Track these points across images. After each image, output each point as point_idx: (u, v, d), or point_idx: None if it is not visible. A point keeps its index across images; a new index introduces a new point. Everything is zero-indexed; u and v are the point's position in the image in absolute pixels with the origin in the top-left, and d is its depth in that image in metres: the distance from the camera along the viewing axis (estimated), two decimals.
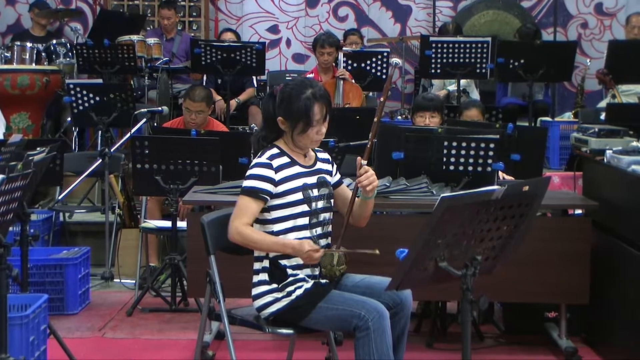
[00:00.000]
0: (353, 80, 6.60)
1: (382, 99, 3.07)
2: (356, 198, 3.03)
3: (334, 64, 6.71)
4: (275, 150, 2.99)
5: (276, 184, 2.94)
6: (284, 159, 2.99)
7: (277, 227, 2.96)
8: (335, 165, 3.17)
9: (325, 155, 3.15)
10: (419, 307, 4.42)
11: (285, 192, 2.95)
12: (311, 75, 6.58)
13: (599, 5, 8.35)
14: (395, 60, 3.15)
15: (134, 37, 7.15)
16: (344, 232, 3.01)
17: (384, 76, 6.81)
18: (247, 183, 2.93)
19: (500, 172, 4.19)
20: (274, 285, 2.96)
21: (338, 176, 3.16)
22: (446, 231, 2.38)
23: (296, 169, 3.00)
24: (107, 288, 5.24)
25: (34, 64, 6.82)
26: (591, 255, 3.84)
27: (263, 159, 2.96)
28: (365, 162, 3.00)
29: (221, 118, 6.82)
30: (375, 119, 3.03)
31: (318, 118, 2.95)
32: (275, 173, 2.94)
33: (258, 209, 2.91)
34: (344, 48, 6.89)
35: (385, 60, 6.81)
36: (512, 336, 4.23)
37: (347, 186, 3.17)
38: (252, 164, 2.98)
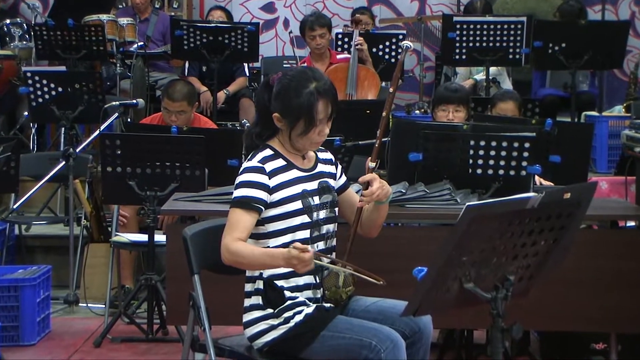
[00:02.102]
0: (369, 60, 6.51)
1: (391, 89, 3.08)
2: (365, 205, 3.04)
3: (329, 48, 6.71)
4: (268, 152, 3.00)
5: (271, 191, 2.95)
6: (279, 162, 3.00)
7: (273, 242, 2.97)
8: (339, 166, 3.19)
9: (327, 155, 3.17)
10: (441, 337, 4.43)
11: (282, 201, 2.96)
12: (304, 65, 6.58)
13: None
14: (406, 43, 3.16)
15: (104, 17, 7.18)
16: (351, 246, 3.02)
17: None
18: (236, 193, 2.95)
19: (537, 177, 4.20)
20: (269, 310, 2.97)
21: (344, 179, 3.17)
22: (473, 246, 2.38)
23: (294, 173, 3.01)
24: (71, 314, 5.26)
25: None
26: None
27: (254, 162, 2.97)
28: (374, 164, 3.01)
29: (207, 113, 6.85)
30: (384, 113, 3.05)
31: (322, 117, 2.96)
32: (269, 178, 2.96)
33: (252, 222, 2.92)
34: (344, 29, 6.89)
35: (400, 44, 6.82)
36: None
37: (357, 192, 3.18)
38: (241, 169, 3.00)
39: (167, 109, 5.36)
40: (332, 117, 2.99)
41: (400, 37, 6.92)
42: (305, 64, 6.62)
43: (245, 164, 2.98)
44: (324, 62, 6.65)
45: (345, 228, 3.14)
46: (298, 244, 2.79)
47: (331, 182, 3.11)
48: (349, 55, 6.65)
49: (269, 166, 2.97)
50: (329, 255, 2.98)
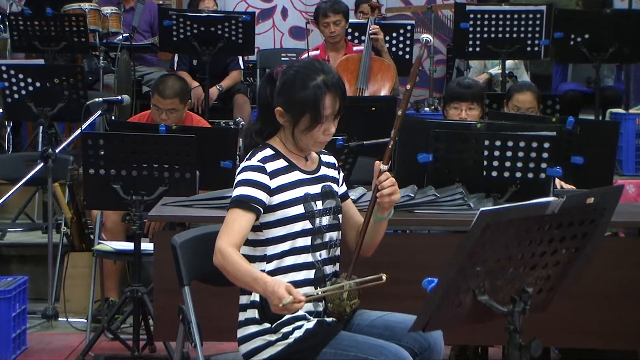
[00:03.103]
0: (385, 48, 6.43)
1: (408, 86, 3.08)
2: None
3: (345, 39, 6.69)
4: (268, 152, 3.01)
5: (271, 192, 2.96)
6: (280, 162, 3.01)
7: (271, 249, 2.98)
8: (342, 173, 3.20)
9: (331, 159, 3.18)
10: (453, 354, 4.43)
11: (282, 205, 2.97)
12: (316, 53, 6.57)
13: None
14: (425, 36, 3.16)
15: (85, 6, 7.19)
16: (357, 258, 3.02)
17: (407, 56, 6.83)
18: (235, 192, 2.95)
19: (557, 180, 4.20)
20: (266, 325, 2.98)
21: (344, 188, 3.19)
22: (487, 255, 2.39)
23: (296, 175, 3.02)
24: (50, 329, 5.26)
25: None
26: None
27: (253, 161, 2.98)
28: (386, 167, 3.02)
29: (199, 110, 6.85)
30: (399, 112, 3.05)
31: (329, 113, 2.96)
32: (270, 179, 2.96)
33: (249, 223, 2.92)
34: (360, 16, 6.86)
35: (409, 35, 6.83)
36: None
37: (355, 201, 3.18)
38: (240, 168, 3.00)
39: (157, 106, 5.37)
40: (339, 115, 3.00)
41: (409, 27, 6.93)
42: (318, 52, 6.60)
43: (245, 163, 2.99)
44: (338, 53, 6.61)
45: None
46: (294, 291, 2.71)
47: (334, 187, 3.11)
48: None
49: (270, 166, 2.98)
50: (321, 291, 2.92)
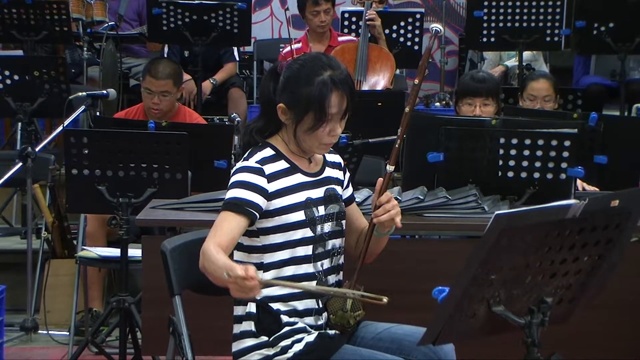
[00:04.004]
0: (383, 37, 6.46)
1: (416, 81, 3.08)
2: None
3: (331, 28, 6.69)
4: (268, 152, 3.01)
5: (269, 196, 2.96)
6: (281, 164, 3.01)
7: (268, 257, 2.98)
8: (347, 173, 3.20)
9: (337, 159, 3.18)
10: None
11: (281, 210, 2.97)
12: (298, 46, 6.57)
13: None
14: (435, 26, 3.16)
15: None
16: (361, 266, 3.02)
17: (416, 47, 6.82)
18: (229, 194, 2.95)
19: (579, 181, 4.20)
20: (263, 338, 2.98)
21: (350, 191, 3.19)
22: (503, 263, 2.39)
23: (297, 178, 3.02)
24: (29, 343, 5.26)
25: None
26: None
27: (251, 162, 2.98)
28: (392, 168, 3.02)
29: (190, 105, 6.86)
30: (407, 109, 3.05)
31: (335, 112, 2.96)
32: (268, 182, 2.96)
33: (239, 227, 2.91)
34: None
35: (418, 25, 6.83)
36: None
37: (359, 204, 3.18)
38: (235, 168, 3.00)
39: (149, 89, 5.39)
40: (347, 115, 3.00)
41: (418, 16, 6.93)
42: (300, 45, 6.61)
43: (241, 163, 2.99)
44: (323, 44, 6.64)
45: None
46: (251, 270, 2.66)
47: (338, 189, 3.12)
48: (353, 38, 6.62)
49: (269, 168, 2.97)
50: (293, 284, 2.91)
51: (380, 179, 3.00)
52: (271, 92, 3.01)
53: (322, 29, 6.60)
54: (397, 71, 7.00)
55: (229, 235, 2.87)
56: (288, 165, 3.01)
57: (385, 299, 2.69)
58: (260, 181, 2.94)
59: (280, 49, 6.96)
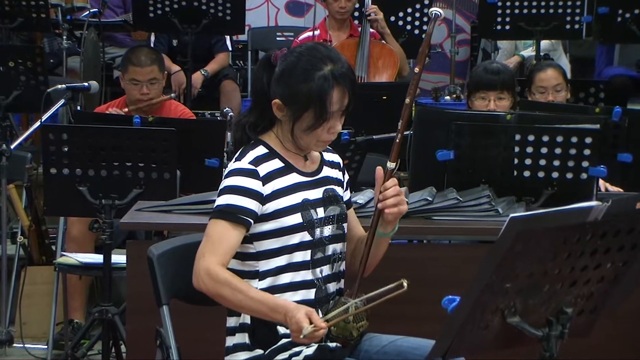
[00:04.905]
0: (386, 33, 6.50)
1: (416, 69, 3.09)
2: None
3: (351, 17, 6.71)
4: (261, 150, 3.01)
5: (264, 200, 2.96)
6: (275, 163, 3.01)
7: (263, 264, 2.98)
8: (346, 175, 3.20)
9: (335, 158, 3.18)
10: None
11: (277, 213, 2.97)
12: (316, 33, 6.60)
13: None
14: (435, 10, 3.17)
15: None
16: (362, 276, 3.02)
17: (423, 35, 6.83)
18: (220, 200, 2.95)
19: (601, 181, 4.20)
20: (258, 352, 2.98)
21: (348, 194, 3.19)
22: (518, 270, 2.39)
23: (293, 178, 3.02)
24: (3, 357, 5.25)
25: None
26: None
27: (243, 163, 2.98)
28: (394, 165, 3.02)
29: (180, 99, 6.86)
30: (407, 100, 3.05)
31: (336, 109, 2.96)
32: (263, 185, 2.96)
33: (237, 239, 2.92)
34: None
35: (426, 11, 6.84)
36: None
37: (363, 206, 3.18)
38: (227, 171, 3.00)
39: (135, 79, 5.40)
40: (348, 110, 2.99)
41: (426, 2, 6.94)
42: (318, 32, 6.62)
43: (233, 165, 2.99)
44: (343, 32, 6.67)
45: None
46: (315, 317, 2.76)
47: (338, 190, 3.11)
48: (372, 30, 6.62)
49: (263, 168, 2.97)
50: (337, 313, 2.91)
51: (380, 168, 2.99)
52: (264, 84, 3.00)
53: (341, 16, 6.61)
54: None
55: (229, 254, 2.91)
56: (282, 165, 3.01)
57: (405, 282, 2.71)
58: (255, 185, 2.94)
59: (292, 37, 6.93)
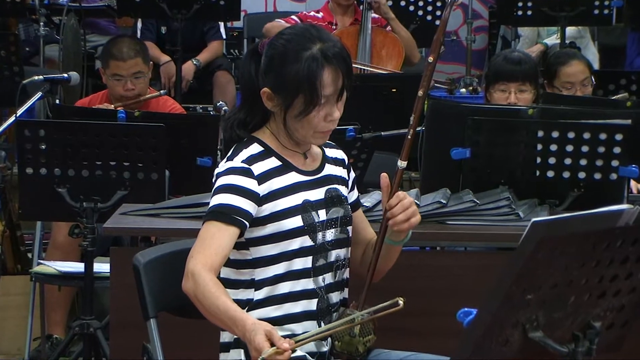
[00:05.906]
0: (390, 21, 6.53)
1: (430, 58, 3.09)
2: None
3: (355, 2, 6.73)
4: (255, 148, 3.01)
5: (260, 201, 2.96)
6: (271, 162, 3.01)
7: (260, 273, 2.98)
8: (352, 174, 3.20)
9: (339, 154, 3.18)
10: None
11: (275, 216, 2.97)
12: (318, 16, 6.61)
13: None
14: None
15: None
16: (369, 286, 3.02)
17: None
18: (214, 200, 2.95)
19: (632, 182, 4.20)
20: None
21: (355, 194, 3.19)
22: (541, 280, 2.39)
23: (292, 177, 3.03)
24: None
25: None
26: None
27: (236, 162, 2.98)
28: (405, 164, 3.02)
29: (170, 92, 6.86)
30: (420, 92, 3.05)
31: (329, 93, 2.95)
32: (259, 184, 2.97)
33: (230, 240, 2.91)
34: None
35: None
36: None
37: (370, 209, 3.18)
38: (219, 170, 3.00)
39: (117, 74, 5.41)
40: (345, 94, 2.99)
41: None
42: (321, 15, 6.63)
43: (225, 164, 2.99)
44: (348, 17, 6.70)
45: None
46: (275, 338, 2.65)
47: (342, 190, 3.12)
48: (376, 16, 6.63)
49: (258, 168, 2.97)
50: (326, 328, 2.89)
51: (384, 174, 2.99)
52: (253, 76, 3.00)
53: (346, 1, 6.66)
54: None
55: (220, 255, 2.88)
56: (280, 163, 3.01)
57: (401, 301, 2.68)
58: (250, 183, 2.94)
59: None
